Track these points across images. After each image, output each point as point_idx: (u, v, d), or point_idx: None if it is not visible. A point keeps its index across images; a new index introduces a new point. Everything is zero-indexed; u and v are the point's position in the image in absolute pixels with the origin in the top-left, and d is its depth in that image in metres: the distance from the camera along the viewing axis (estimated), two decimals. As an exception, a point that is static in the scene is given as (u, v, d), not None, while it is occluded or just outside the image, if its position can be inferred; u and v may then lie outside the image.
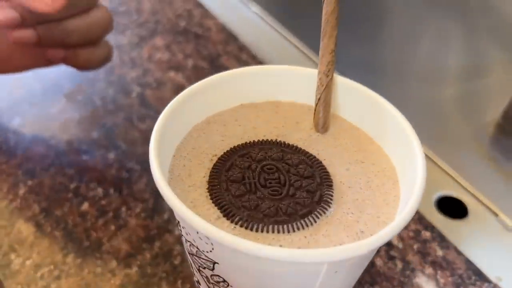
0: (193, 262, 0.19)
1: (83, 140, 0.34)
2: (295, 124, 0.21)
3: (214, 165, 0.19)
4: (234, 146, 0.19)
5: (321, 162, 0.19)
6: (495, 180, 0.42)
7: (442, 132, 0.46)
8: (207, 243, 0.16)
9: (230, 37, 0.45)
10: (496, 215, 0.32)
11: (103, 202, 0.30)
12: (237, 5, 0.50)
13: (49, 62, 0.32)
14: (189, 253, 0.18)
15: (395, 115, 0.19)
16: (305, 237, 0.16)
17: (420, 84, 0.53)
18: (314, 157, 0.19)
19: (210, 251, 0.16)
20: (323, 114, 0.20)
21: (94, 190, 0.31)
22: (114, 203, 0.30)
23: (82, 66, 0.32)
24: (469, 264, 0.28)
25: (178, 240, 0.28)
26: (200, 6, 0.49)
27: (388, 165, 0.19)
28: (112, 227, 0.29)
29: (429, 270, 0.27)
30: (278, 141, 0.20)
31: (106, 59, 0.33)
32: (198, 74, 0.40)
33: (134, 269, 0.27)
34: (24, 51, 0.31)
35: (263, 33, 0.47)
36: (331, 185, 0.18)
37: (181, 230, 0.18)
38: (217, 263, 0.17)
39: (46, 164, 0.32)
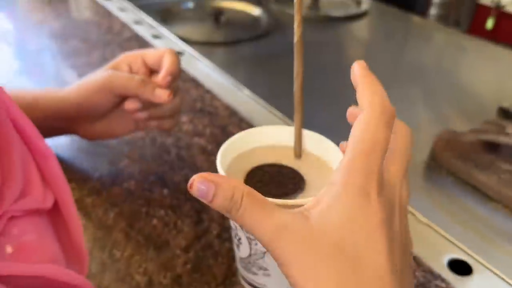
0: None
1: (145, 182, 0.52)
2: (285, 155, 0.39)
3: (247, 175, 0.36)
4: (256, 166, 0.37)
5: (299, 173, 0.37)
6: (425, 201, 0.60)
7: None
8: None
9: (232, 112, 0.64)
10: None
11: (166, 218, 0.47)
12: (234, 90, 0.70)
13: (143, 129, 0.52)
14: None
15: (335, 148, 0.37)
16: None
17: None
18: (297, 171, 0.37)
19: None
20: (298, 149, 0.38)
21: (158, 212, 0.48)
22: (172, 219, 0.47)
23: (167, 129, 0.51)
24: None
25: (217, 236, 0.45)
26: (209, 92, 0.69)
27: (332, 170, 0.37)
28: (174, 232, 0.45)
29: None
30: (277, 163, 0.38)
31: (176, 124, 0.52)
32: (214, 138, 0.59)
33: (192, 253, 0.43)
34: (136, 125, 0.50)
35: (254, 109, 0.66)
36: (304, 182, 0.36)
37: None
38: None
39: (123, 199, 0.49)
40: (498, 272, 0.45)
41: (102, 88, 0.45)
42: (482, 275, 0.44)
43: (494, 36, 1.61)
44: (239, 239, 0.35)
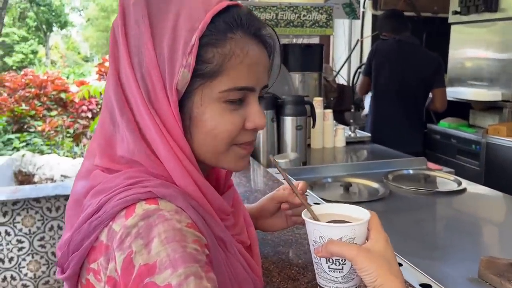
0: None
1: (290, 249, 0.99)
2: (336, 215, 0.83)
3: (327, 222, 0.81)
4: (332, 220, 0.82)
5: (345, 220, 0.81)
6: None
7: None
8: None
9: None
10: None
11: (290, 270, 0.93)
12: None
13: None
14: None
15: (359, 209, 0.80)
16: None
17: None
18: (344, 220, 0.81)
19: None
20: (313, 215, 0.82)
21: (290, 267, 0.94)
22: (295, 268, 0.92)
23: (301, 224, 1.00)
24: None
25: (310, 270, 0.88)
26: (330, 221, 1.17)
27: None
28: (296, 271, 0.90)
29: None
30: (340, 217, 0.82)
31: None
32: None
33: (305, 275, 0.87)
34: (286, 223, 1.00)
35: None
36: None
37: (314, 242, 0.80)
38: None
39: (278, 261, 0.97)
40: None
41: (270, 198, 0.98)
42: None
43: None
44: (334, 262, 0.77)
